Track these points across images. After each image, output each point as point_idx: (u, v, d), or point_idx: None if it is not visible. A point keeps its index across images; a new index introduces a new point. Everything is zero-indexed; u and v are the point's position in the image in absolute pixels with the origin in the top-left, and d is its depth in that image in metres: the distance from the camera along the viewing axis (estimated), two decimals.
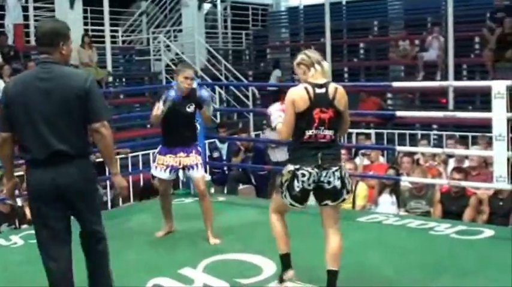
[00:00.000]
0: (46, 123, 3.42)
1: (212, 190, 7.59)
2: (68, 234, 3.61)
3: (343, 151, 8.08)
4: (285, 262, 4.09)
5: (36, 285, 4.09)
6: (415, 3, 15.18)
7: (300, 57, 3.94)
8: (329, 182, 3.81)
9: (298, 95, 3.82)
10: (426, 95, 13.27)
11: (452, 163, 8.12)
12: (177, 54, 14.96)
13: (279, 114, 3.99)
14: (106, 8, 13.36)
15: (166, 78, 13.91)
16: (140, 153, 8.73)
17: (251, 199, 8.00)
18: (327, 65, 3.94)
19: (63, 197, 3.49)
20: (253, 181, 8.82)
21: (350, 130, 10.78)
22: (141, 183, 8.42)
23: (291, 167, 3.85)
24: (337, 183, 3.83)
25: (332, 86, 3.88)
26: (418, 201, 6.91)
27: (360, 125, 11.78)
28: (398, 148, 7.63)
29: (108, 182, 8.71)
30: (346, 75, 15.18)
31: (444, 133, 10.23)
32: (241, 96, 14.12)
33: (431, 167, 7.97)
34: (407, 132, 10.59)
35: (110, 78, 13.56)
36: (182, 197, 6.90)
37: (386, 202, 7.14)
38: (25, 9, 13.52)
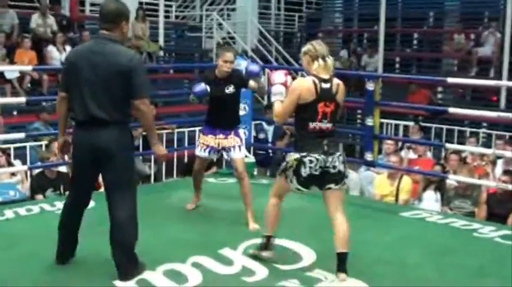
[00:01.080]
0: (90, 91, 3.81)
1: (255, 172, 7.59)
2: (92, 190, 4.12)
3: (390, 142, 8.12)
4: (267, 242, 4.34)
5: (78, 251, 4.18)
6: None
7: (308, 47, 4.11)
8: (334, 167, 4.02)
9: (306, 87, 4.00)
10: (478, 91, 13.03)
11: (500, 164, 7.98)
12: (228, 33, 14.95)
13: (280, 91, 4.17)
14: None
15: (217, 55, 13.93)
16: (186, 129, 8.77)
17: None
18: (331, 61, 4.08)
19: (97, 158, 3.86)
20: None
21: (397, 122, 10.76)
22: (186, 159, 8.47)
23: (297, 154, 4.03)
24: (341, 167, 4.05)
25: (335, 82, 4.07)
26: (463, 200, 6.80)
27: (408, 117, 11.65)
28: (448, 145, 7.50)
29: (152, 156, 8.81)
30: (397, 65, 14.99)
31: (494, 133, 10.06)
32: None
33: (479, 167, 7.84)
34: (456, 128, 10.43)
35: (161, 53, 13.64)
36: (225, 177, 6.93)
37: (431, 199, 7.06)
38: None
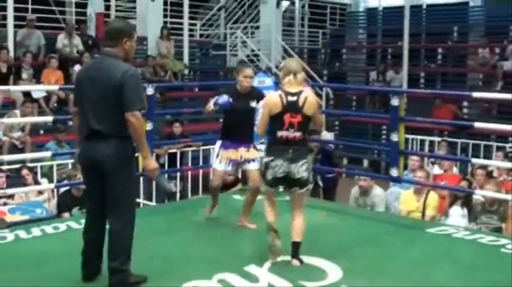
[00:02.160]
0: (90, 106, 3.99)
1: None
2: (104, 205, 4.05)
3: (415, 158, 8.09)
4: (271, 227, 4.68)
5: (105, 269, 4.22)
6: (498, 10, 14.73)
7: (283, 63, 4.70)
8: (297, 173, 4.55)
9: (273, 101, 4.59)
10: (503, 105, 12.92)
11: None
12: (253, 50, 15.04)
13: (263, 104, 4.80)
14: (186, 1, 13.55)
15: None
16: (211, 147, 8.77)
17: (318, 201, 7.95)
18: (301, 76, 4.59)
19: (97, 170, 3.99)
20: (320, 183, 8.77)
21: (423, 137, 10.72)
22: (211, 176, 8.48)
23: (266, 159, 4.64)
24: (305, 174, 4.58)
25: (303, 96, 4.54)
26: (489, 216, 6.73)
27: (433, 133, 11.59)
28: (474, 161, 7.44)
29: (178, 174, 8.87)
30: (422, 80, 14.91)
31: None
32: None
33: (505, 182, 7.76)
34: (482, 143, 10.34)
35: (186, 71, 13.74)
36: None
37: (457, 215, 6.99)
38: None
